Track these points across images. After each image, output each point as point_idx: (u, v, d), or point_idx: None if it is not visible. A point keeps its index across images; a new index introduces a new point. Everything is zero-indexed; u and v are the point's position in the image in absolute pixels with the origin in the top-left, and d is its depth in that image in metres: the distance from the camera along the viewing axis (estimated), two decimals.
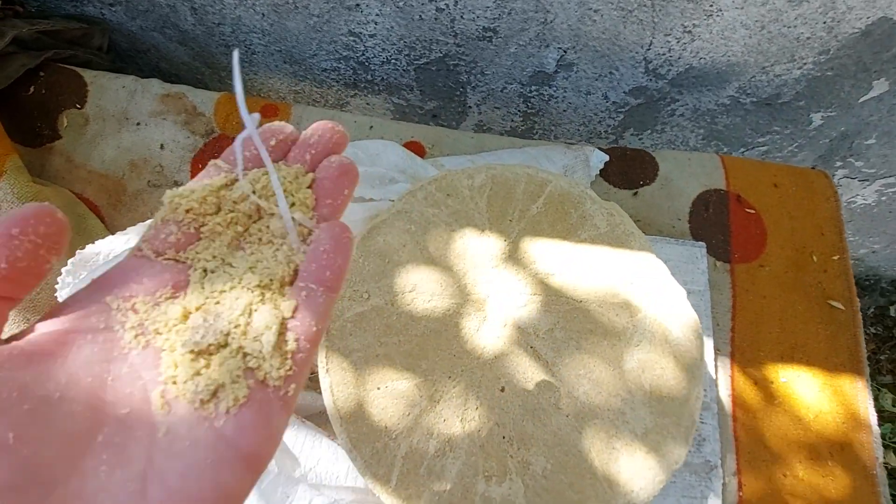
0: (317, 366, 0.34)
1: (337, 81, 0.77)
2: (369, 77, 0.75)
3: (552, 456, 0.33)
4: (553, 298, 0.36)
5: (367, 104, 0.81)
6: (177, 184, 0.54)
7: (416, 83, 0.75)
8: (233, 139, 0.56)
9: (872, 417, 0.47)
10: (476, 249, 0.37)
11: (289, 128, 0.19)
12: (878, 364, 1.06)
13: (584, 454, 0.33)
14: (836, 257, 0.53)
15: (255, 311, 0.16)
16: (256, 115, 0.17)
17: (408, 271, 0.36)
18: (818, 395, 0.47)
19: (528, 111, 0.78)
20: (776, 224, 0.54)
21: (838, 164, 0.83)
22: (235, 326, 0.15)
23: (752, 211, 0.54)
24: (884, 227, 0.98)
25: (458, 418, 0.33)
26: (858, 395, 0.48)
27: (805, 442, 0.46)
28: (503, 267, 0.37)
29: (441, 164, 0.49)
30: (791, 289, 0.51)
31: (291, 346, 0.15)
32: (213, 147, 0.55)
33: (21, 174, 0.48)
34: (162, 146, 0.55)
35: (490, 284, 0.36)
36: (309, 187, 0.18)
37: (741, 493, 0.44)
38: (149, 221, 0.36)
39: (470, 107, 0.79)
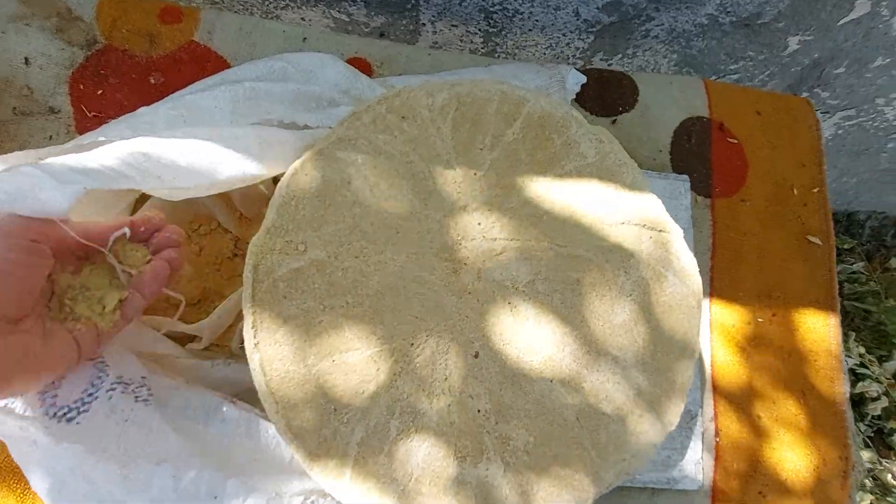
0: (243, 340, 0.27)
1: None
2: None
3: (535, 427, 0.28)
4: (534, 244, 0.30)
5: (302, 18, 0.68)
6: (52, 110, 0.42)
7: None
8: (123, 52, 0.43)
9: (842, 353, 0.46)
10: (440, 186, 0.30)
11: (157, 218, 0.30)
12: None
13: (570, 423, 0.28)
14: (815, 190, 0.50)
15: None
16: (124, 229, 0.28)
17: (354, 215, 0.29)
18: (794, 334, 0.46)
19: (490, 30, 0.68)
20: (757, 155, 0.50)
21: (804, 94, 0.80)
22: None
23: (735, 141, 0.50)
24: (835, 161, 0.98)
25: (423, 393, 0.27)
26: (831, 332, 0.46)
27: (780, 381, 0.45)
28: (473, 207, 0.30)
29: (392, 86, 0.41)
30: (771, 224, 0.48)
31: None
32: (97, 62, 0.43)
33: None
34: (27, 61, 0.42)
35: (458, 229, 0.30)
36: (147, 262, 0.29)
37: (718, 439, 0.42)
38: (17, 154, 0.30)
39: (423, 24, 0.68)
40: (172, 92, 0.41)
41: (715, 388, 0.43)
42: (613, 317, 0.30)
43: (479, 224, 0.30)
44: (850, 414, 0.46)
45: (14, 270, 0.24)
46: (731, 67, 0.74)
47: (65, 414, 0.26)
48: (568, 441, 0.28)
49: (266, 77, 0.36)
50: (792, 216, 0.49)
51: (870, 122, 0.88)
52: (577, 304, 0.29)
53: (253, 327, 0.27)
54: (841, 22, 0.64)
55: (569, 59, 0.71)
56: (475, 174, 0.30)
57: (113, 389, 0.27)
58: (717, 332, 0.45)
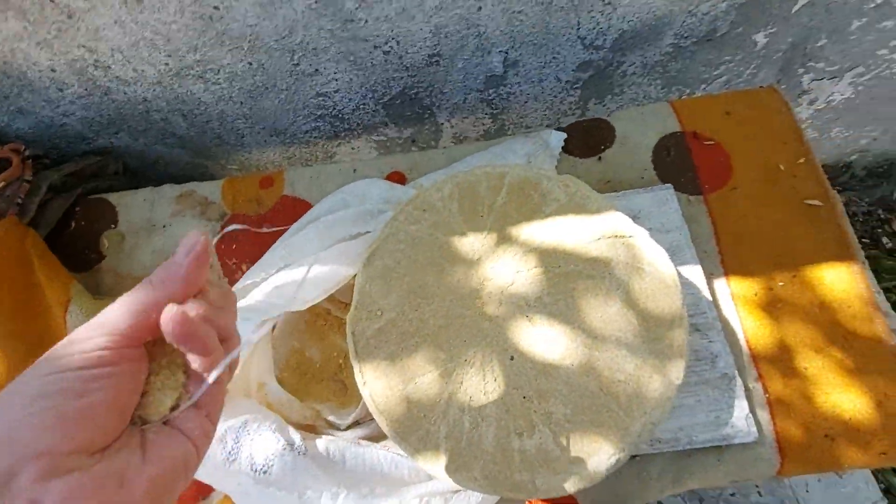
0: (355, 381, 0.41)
1: (320, 137, 0.86)
2: (346, 126, 0.83)
3: (569, 402, 0.38)
4: (535, 271, 0.41)
5: (353, 148, 0.89)
6: (210, 267, 0.62)
7: (388, 118, 0.83)
8: (243, 216, 0.63)
9: (878, 293, 0.50)
10: (460, 248, 0.43)
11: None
12: None
13: (595, 393, 0.38)
14: (801, 160, 0.56)
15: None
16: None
17: (408, 283, 0.42)
18: (818, 289, 0.50)
19: (494, 111, 0.84)
20: (737, 148, 0.58)
21: (801, 71, 0.85)
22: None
23: (712, 142, 0.58)
24: (873, 113, 0.98)
25: (481, 392, 0.39)
26: (856, 277, 0.50)
27: (817, 333, 0.49)
28: (486, 258, 0.43)
29: (420, 185, 0.56)
30: (767, 202, 0.54)
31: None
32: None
33: (84, 295, 0.57)
34: None
35: (479, 275, 0.42)
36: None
37: (768, 395, 0.47)
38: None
39: (441, 124, 0.85)
40: (279, 233, 0.59)
41: (752, 353, 0.49)
42: (608, 309, 0.39)
43: (492, 267, 0.42)
44: None
45: (107, 389, 0.20)
46: (715, 73, 0.82)
47: (262, 469, 0.41)
48: (597, 407, 0.37)
49: (334, 208, 0.52)
50: (786, 188, 0.55)
51: (886, 71, 0.89)
52: (576, 306, 0.40)
53: (360, 372, 0.40)
54: (795, 9, 0.71)
55: (566, 112, 0.84)
56: (482, 235, 0.43)
57: (286, 451, 0.42)
58: (741, 303, 0.50)
